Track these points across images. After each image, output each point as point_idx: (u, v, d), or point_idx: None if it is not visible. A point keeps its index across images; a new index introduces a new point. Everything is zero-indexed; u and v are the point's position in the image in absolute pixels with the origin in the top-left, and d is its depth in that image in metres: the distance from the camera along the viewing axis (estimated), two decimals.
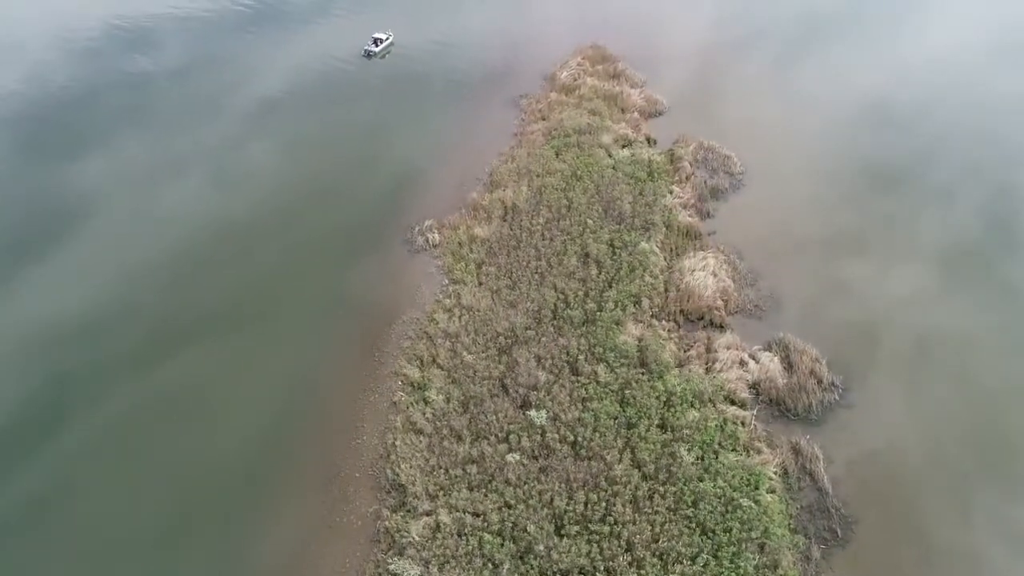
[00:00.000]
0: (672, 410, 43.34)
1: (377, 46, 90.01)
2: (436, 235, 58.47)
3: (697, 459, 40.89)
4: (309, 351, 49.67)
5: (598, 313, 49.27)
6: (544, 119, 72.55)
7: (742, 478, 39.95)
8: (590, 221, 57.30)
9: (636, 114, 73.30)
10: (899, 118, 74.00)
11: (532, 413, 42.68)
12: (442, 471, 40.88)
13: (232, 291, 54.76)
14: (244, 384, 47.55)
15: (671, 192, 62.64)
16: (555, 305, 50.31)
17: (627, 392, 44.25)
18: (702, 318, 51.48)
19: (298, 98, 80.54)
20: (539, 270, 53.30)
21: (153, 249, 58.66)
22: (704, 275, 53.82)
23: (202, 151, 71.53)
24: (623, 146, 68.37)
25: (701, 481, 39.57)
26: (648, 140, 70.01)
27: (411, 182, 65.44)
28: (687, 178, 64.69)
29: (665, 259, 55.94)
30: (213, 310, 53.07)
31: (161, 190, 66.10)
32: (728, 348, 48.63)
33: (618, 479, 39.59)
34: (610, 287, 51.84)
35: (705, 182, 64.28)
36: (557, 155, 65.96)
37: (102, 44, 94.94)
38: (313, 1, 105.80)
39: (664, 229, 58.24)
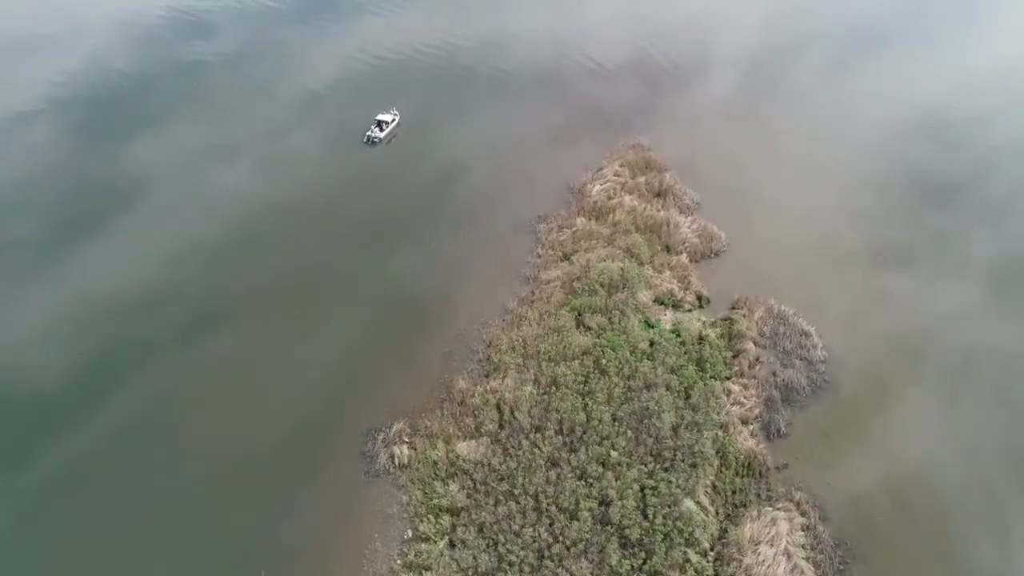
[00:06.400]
0: None
1: (382, 130, 75.51)
2: (405, 449, 43.47)
3: None
4: None
5: None
6: (566, 258, 56.87)
7: None
8: (614, 453, 41.47)
9: (685, 256, 57.06)
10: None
11: None
12: None
13: None
14: None
15: (728, 393, 46.36)
16: None
17: None
18: None
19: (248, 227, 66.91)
20: (537, 542, 37.63)
21: None
22: (772, 554, 37.59)
23: None
24: (667, 306, 52.42)
25: None
26: (700, 299, 53.80)
27: (383, 354, 49.95)
28: (750, 367, 48.34)
29: (716, 518, 39.78)
30: None
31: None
32: None
33: None
34: None
35: (775, 375, 47.77)
36: (579, 322, 50.41)
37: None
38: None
39: (717, 462, 42.10)
